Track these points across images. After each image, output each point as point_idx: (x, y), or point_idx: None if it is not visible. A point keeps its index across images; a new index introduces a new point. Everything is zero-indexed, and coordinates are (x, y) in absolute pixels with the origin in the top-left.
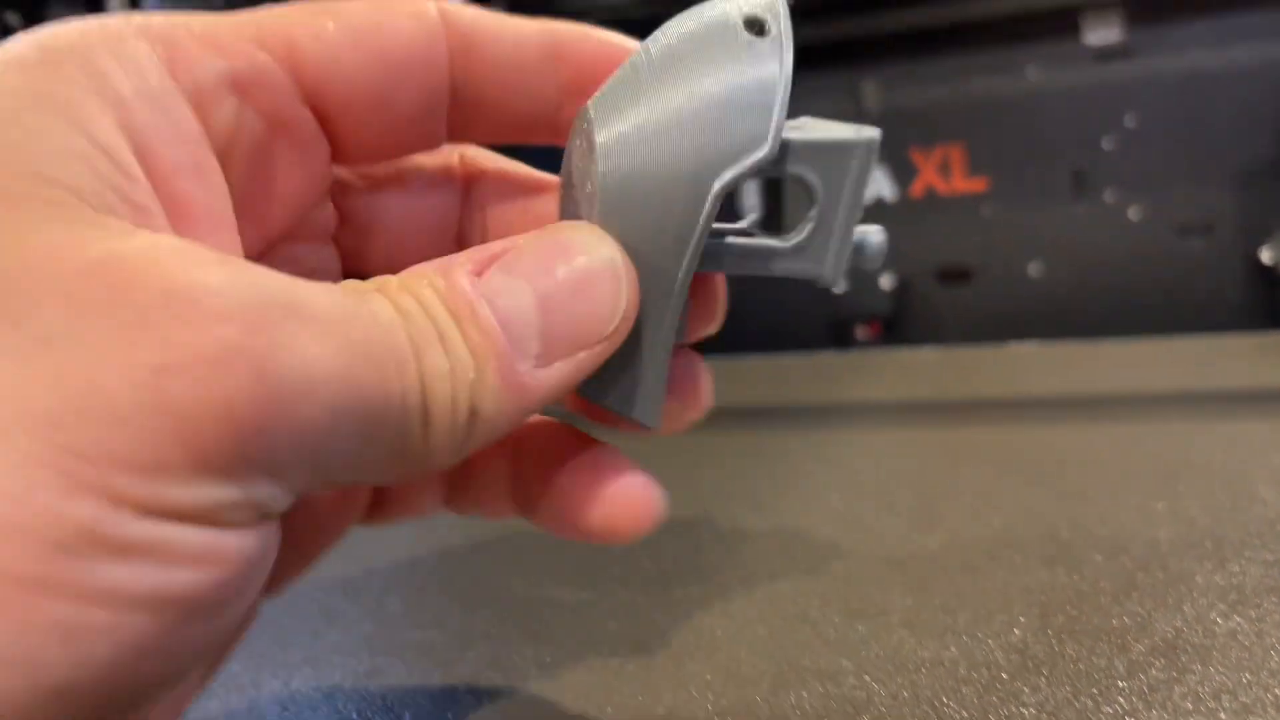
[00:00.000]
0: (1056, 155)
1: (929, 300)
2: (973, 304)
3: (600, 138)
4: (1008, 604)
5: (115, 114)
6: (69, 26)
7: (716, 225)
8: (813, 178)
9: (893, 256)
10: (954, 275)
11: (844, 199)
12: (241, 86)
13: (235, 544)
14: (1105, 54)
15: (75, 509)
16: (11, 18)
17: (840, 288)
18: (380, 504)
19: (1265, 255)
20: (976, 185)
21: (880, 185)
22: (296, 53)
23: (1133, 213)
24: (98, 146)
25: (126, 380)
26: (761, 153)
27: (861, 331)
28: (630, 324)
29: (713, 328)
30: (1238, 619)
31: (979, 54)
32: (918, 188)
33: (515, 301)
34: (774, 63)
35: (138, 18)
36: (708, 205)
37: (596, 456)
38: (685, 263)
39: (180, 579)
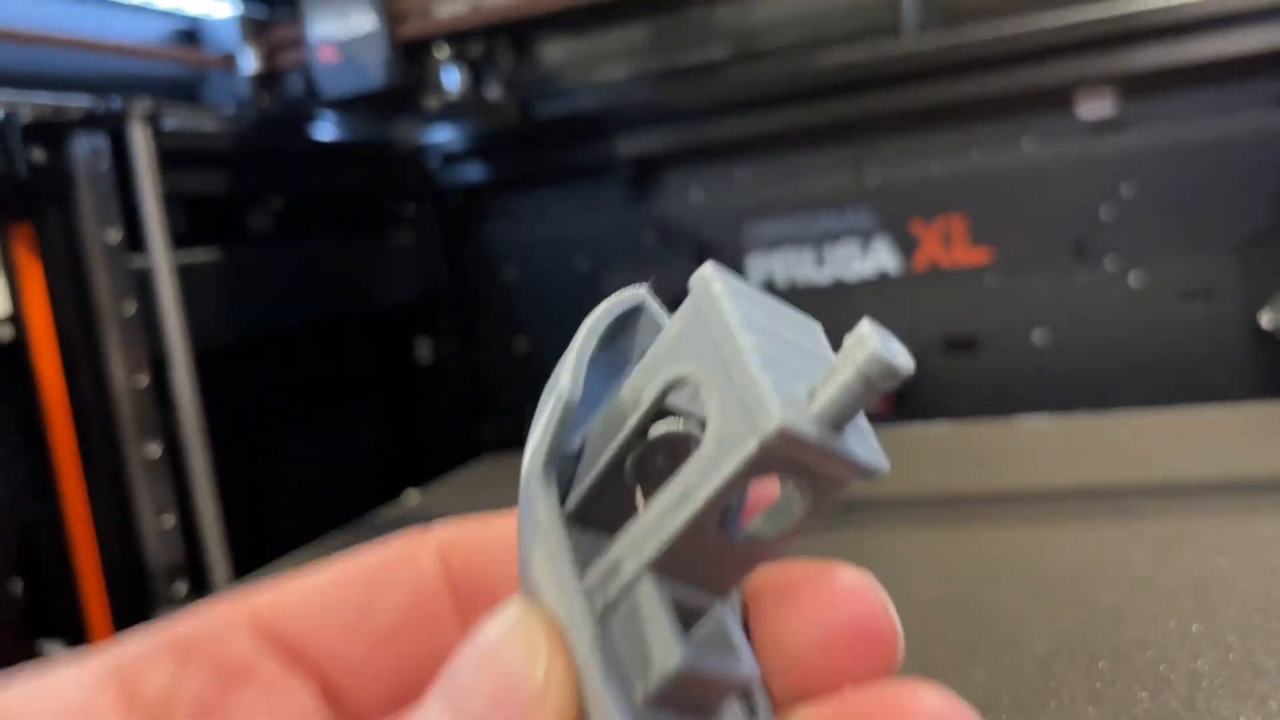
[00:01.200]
0: (1056, 225)
1: (937, 371)
2: (980, 373)
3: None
4: None
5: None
6: None
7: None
8: (675, 364)
9: (899, 329)
10: (960, 345)
11: (718, 352)
12: (179, 652)
13: None
14: (1099, 127)
15: None
16: (37, 152)
17: (814, 433)
18: None
19: (1264, 320)
20: (978, 255)
21: (883, 258)
22: (253, 608)
23: (1133, 279)
24: None
25: None
26: (559, 400)
27: None
28: (564, 678)
29: (880, 657)
30: None
31: (976, 129)
32: (921, 260)
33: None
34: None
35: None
36: (524, 490)
37: None
38: (535, 567)
39: None
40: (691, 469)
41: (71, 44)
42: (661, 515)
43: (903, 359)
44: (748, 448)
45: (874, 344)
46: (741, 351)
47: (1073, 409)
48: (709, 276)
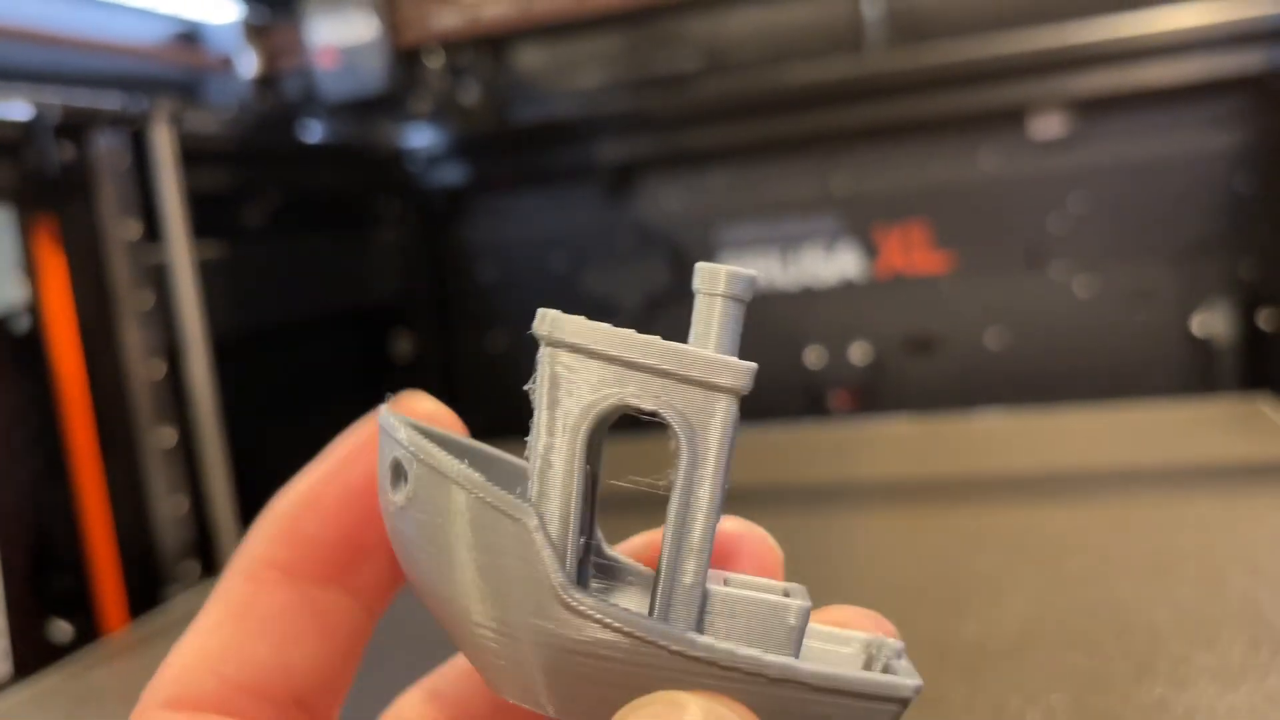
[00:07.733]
0: (1010, 234)
1: (898, 370)
2: (938, 373)
3: None
4: (1047, 689)
5: None
6: None
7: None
8: None
9: (862, 329)
10: (919, 346)
11: (623, 363)
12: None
13: None
14: (1050, 146)
15: None
16: (66, 148)
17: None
18: None
19: (1195, 326)
20: (937, 262)
21: (847, 262)
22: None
23: (1079, 286)
24: None
25: None
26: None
27: (834, 400)
28: None
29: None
30: (1230, 696)
31: (935, 144)
32: (882, 265)
33: None
34: None
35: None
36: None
37: None
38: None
39: None
40: (685, 461)
41: (69, 43)
42: (687, 515)
43: (745, 271)
44: (726, 408)
45: (723, 270)
46: (655, 344)
47: (1024, 405)
48: (548, 315)
